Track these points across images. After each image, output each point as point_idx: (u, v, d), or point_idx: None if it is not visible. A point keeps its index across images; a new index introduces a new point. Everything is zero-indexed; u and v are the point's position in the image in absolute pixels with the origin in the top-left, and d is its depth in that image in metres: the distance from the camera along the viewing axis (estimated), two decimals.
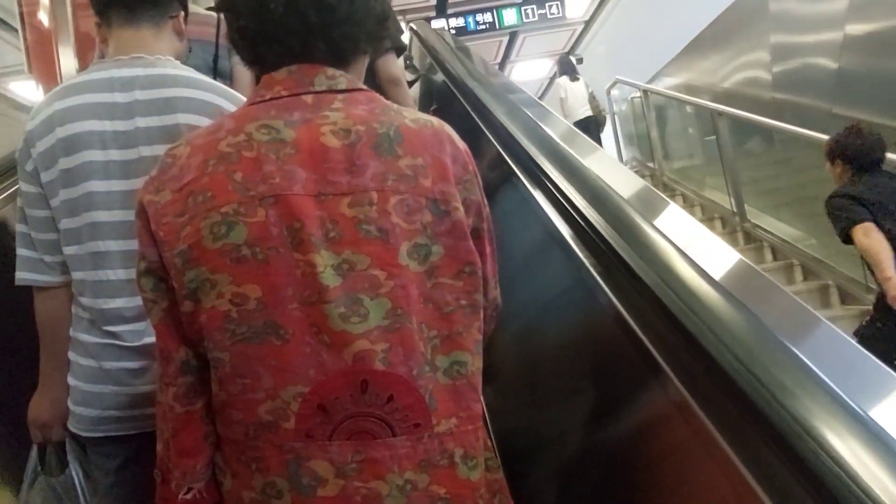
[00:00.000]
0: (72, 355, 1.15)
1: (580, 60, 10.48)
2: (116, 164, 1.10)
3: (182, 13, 1.27)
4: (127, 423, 1.12)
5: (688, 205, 5.67)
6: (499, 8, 8.71)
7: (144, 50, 1.17)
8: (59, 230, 1.13)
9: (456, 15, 8.76)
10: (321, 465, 0.72)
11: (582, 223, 1.08)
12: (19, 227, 1.18)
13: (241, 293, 0.72)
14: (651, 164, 6.55)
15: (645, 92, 6.50)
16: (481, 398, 0.81)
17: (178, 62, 1.20)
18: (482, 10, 8.72)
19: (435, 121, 0.84)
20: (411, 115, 0.82)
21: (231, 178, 0.73)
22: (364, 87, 0.84)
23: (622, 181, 1.15)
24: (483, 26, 8.73)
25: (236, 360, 0.73)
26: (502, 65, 11.23)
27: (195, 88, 1.13)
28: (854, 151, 2.63)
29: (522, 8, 8.71)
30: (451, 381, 0.76)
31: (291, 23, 0.76)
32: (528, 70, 11.66)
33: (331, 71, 0.80)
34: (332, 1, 0.76)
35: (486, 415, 0.96)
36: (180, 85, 1.13)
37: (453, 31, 8.73)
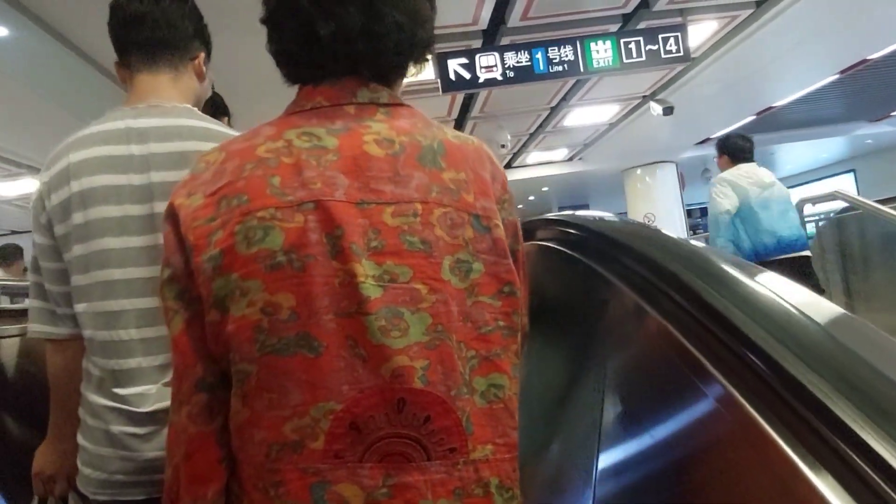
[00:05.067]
0: (81, 413, 1.12)
1: (669, 110, 7.34)
2: (132, 220, 1.07)
3: (203, 54, 1.24)
4: (134, 488, 1.07)
5: None
6: (585, 39, 5.44)
7: (161, 96, 1.15)
8: (70, 284, 1.10)
9: (516, 48, 5.46)
10: (349, 489, 0.66)
11: None
12: (32, 277, 1.16)
13: (273, 302, 0.67)
14: None
15: None
16: (517, 426, 0.74)
17: (194, 110, 1.17)
18: (558, 42, 5.44)
19: (474, 138, 0.82)
20: (452, 132, 0.80)
21: (269, 183, 0.70)
22: (405, 102, 0.80)
23: None
24: (559, 68, 5.45)
25: (264, 374, 0.68)
26: (557, 108, 8.01)
27: (211, 141, 1.06)
28: None
29: (621, 40, 5.46)
30: (488, 404, 0.72)
31: (339, 50, 0.74)
32: (587, 115, 8.46)
33: (373, 85, 0.78)
34: (381, 30, 0.74)
35: None
36: (196, 138, 1.10)
37: (511, 74, 5.48)
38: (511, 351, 0.75)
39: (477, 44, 5.68)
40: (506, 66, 5.47)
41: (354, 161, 0.71)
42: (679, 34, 5.46)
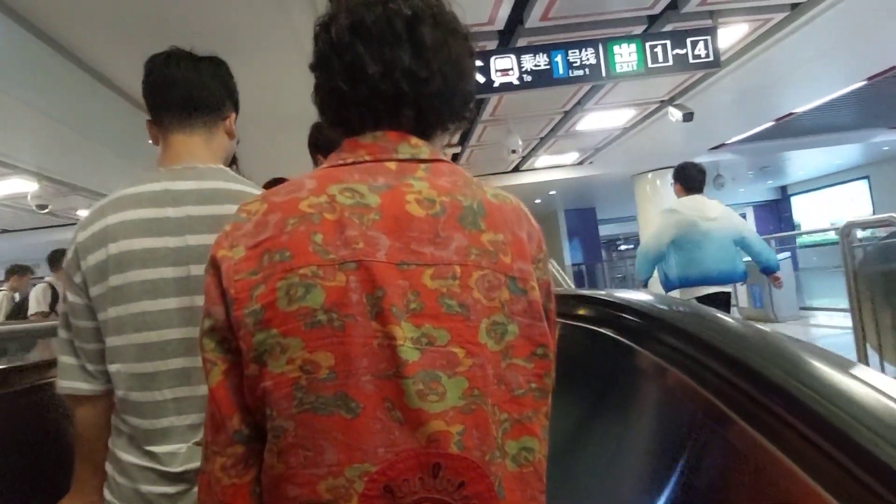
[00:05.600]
0: (109, 469, 1.12)
1: (689, 116, 6.98)
2: (166, 282, 1.08)
3: (234, 114, 1.27)
4: None
5: None
6: (608, 41, 5.09)
7: (196, 157, 1.17)
8: (104, 342, 1.10)
9: (534, 50, 5.11)
10: None
11: None
12: (61, 334, 1.15)
13: (312, 360, 0.67)
14: None
15: None
16: (545, 489, 0.75)
17: (228, 171, 1.19)
18: (580, 45, 5.09)
19: (512, 197, 0.82)
20: (491, 190, 0.81)
21: (311, 240, 0.70)
22: (445, 158, 0.81)
23: None
24: (580, 72, 5.10)
25: (301, 431, 0.68)
26: (571, 112, 7.66)
27: None
28: None
29: (647, 43, 5.11)
30: (519, 468, 0.72)
31: (384, 88, 0.76)
32: (601, 119, 8.12)
33: (414, 140, 0.79)
34: (425, 74, 0.77)
35: None
36: (231, 201, 1.11)
37: (528, 78, 5.13)
38: (542, 413, 0.75)
39: (492, 45, 5.32)
40: (523, 69, 5.12)
41: (396, 221, 0.71)
42: (709, 38, 5.11)
